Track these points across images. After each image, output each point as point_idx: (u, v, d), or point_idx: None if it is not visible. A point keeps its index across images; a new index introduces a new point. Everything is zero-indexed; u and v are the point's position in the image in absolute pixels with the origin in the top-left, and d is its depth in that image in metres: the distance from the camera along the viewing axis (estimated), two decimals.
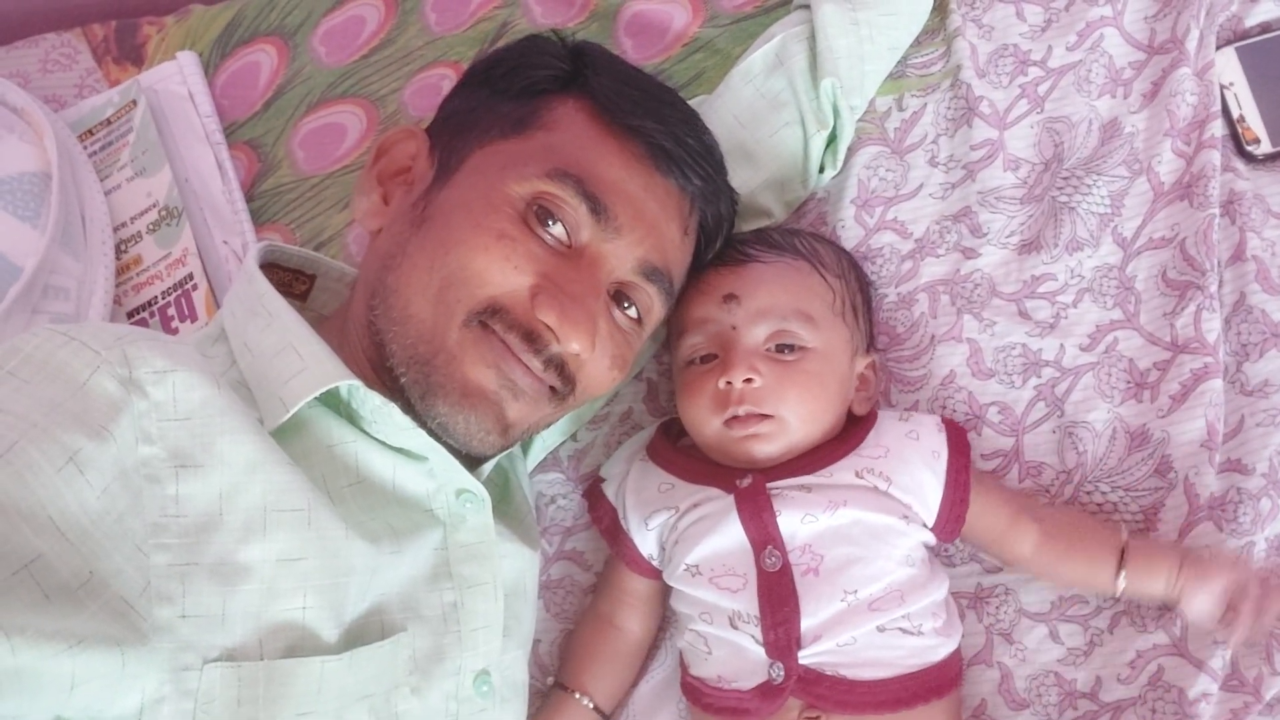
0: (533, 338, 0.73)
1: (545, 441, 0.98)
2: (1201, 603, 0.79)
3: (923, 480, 0.84)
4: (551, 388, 0.76)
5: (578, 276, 0.74)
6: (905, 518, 0.82)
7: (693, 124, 0.83)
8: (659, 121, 0.79)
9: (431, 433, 0.74)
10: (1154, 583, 0.81)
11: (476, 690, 0.75)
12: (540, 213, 0.74)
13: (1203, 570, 0.79)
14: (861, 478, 0.83)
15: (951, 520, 0.84)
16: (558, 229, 0.74)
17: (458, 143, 0.79)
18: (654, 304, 0.81)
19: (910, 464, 0.84)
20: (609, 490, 0.92)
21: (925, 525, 0.84)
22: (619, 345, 0.79)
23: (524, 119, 0.78)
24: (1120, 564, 0.82)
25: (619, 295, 0.78)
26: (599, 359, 0.77)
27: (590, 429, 1.02)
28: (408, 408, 0.73)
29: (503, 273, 0.72)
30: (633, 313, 0.80)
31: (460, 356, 0.72)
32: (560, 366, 0.75)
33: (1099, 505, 0.88)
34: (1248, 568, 0.80)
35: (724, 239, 0.89)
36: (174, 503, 0.62)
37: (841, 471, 0.83)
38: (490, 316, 0.72)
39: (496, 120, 0.78)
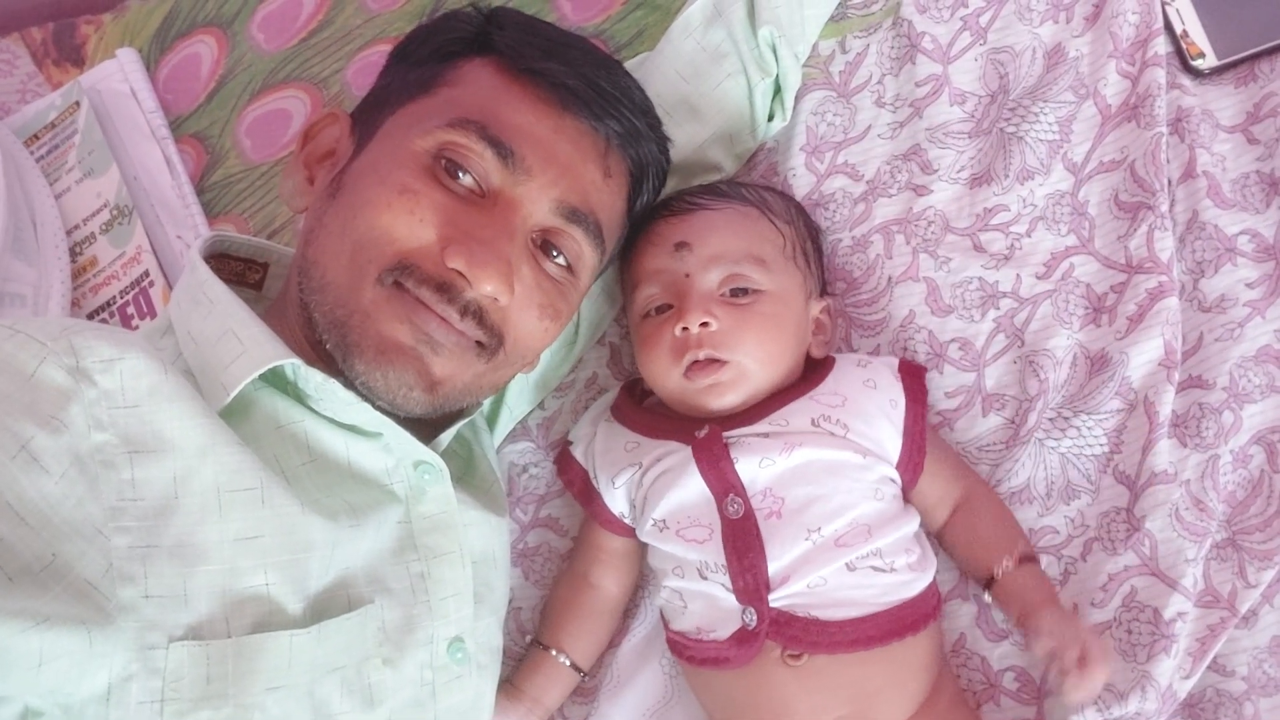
0: (445, 287, 0.72)
1: (513, 412, 0.98)
2: (1037, 649, 0.78)
3: (880, 430, 0.84)
4: (478, 342, 0.75)
5: (489, 221, 0.74)
6: (863, 453, 0.82)
7: (606, 66, 0.82)
8: (564, 63, 0.78)
9: (381, 408, 0.73)
10: (1007, 612, 0.84)
11: (451, 658, 0.76)
12: (449, 165, 0.74)
13: (1035, 628, 0.78)
14: (818, 425, 0.82)
15: (911, 468, 0.84)
16: (467, 179, 0.74)
17: (372, 115, 0.79)
18: (583, 249, 0.79)
19: (867, 413, 0.84)
20: (577, 452, 0.93)
21: (889, 463, 0.84)
22: (548, 294, 0.78)
23: (429, 80, 0.78)
24: (987, 586, 0.84)
25: (546, 245, 0.78)
26: (525, 308, 0.76)
27: (556, 396, 1.02)
28: (350, 384, 0.73)
29: (408, 226, 0.72)
30: (562, 261, 0.79)
31: (374, 314, 0.72)
32: (479, 315, 0.74)
33: (1062, 431, 0.88)
34: (1071, 635, 0.76)
35: (659, 181, 0.88)
36: (130, 487, 0.62)
37: (797, 417, 0.83)
38: (402, 274, 0.72)
39: (406, 86, 0.78)
